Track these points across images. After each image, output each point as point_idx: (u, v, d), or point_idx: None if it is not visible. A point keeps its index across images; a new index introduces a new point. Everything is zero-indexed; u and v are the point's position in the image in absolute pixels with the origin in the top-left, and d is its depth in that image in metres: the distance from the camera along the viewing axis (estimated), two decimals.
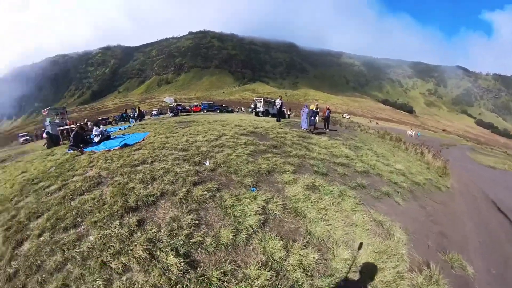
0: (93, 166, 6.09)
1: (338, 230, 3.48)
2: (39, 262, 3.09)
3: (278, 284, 2.57)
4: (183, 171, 4.81)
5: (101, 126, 10.37)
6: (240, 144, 6.81)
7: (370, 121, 69.94)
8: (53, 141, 12.08)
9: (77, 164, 6.53)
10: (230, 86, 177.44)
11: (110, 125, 22.97)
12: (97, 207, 3.88)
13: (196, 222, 3.38)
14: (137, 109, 21.46)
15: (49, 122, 13.86)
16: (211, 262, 2.80)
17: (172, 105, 26.38)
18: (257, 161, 5.54)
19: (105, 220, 3.52)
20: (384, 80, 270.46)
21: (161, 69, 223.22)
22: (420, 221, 4.60)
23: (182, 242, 3.02)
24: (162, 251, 2.87)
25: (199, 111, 33.19)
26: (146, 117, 24.24)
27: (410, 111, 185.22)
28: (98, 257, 2.91)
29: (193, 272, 2.63)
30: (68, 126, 12.75)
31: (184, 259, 2.77)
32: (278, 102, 15.44)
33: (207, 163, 5.19)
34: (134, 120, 20.73)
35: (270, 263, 2.82)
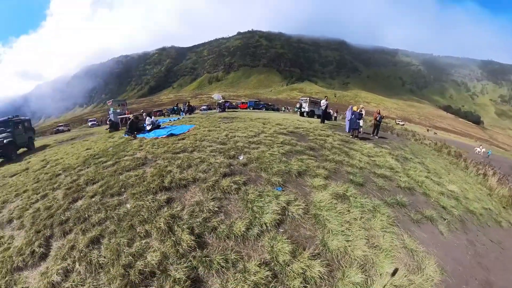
0: (142, 149, 6.92)
1: (357, 249, 3.09)
2: (86, 215, 3.90)
3: (272, 286, 2.52)
4: (216, 162, 5.05)
5: (153, 117, 11.35)
6: (277, 143, 6.75)
7: (428, 130, 61.24)
8: (114, 126, 13.95)
9: (129, 147, 7.49)
10: (277, 85, 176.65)
11: (163, 116, 25.24)
12: (138, 183, 4.57)
13: (217, 209, 3.61)
14: (188, 103, 23.00)
15: (112, 111, 15.91)
16: (218, 247, 3.01)
17: (220, 102, 27.54)
18: (290, 161, 5.44)
19: (141, 193, 4.15)
20: (447, 83, 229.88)
21: (212, 68, 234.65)
22: (463, 261, 3.72)
23: (198, 223, 3.33)
24: (180, 227, 3.25)
25: (246, 108, 34.17)
26: (196, 111, 25.85)
27: (477, 121, 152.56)
28: (129, 221, 3.54)
29: (199, 251, 2.91)
30: (126, 115, 14.43)
31: (196, 238, 3.07)
32: (323, 102, 14.79)
33: (241, 158, 5.32)
34: (184, 113, 22.26)
35: (272, 264, 2.79)
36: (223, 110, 22.84)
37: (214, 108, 31.37)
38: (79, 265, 2.99)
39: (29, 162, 9.15)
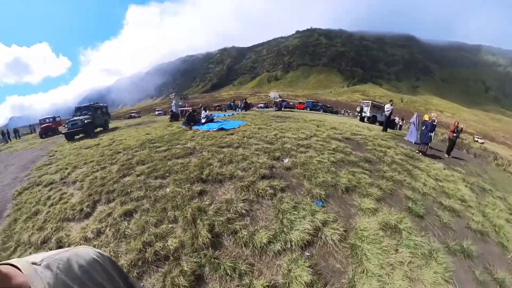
0: (193, 140, 7.24)
1: None
2: (128, 190, 4.34)
3: None
4: (258, 162, 4.79)
5: (208, 111, 11.80)
6: (329, 149, 6.01)
7: None
8: (175, 117, 15.21)
9: (183, 136, 7.91)
10: (337, 86, 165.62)
11: (220, 111, 26.49)
12: (181, 170, 4.80)
13: (244, 212, 3.39)
14: (244, 100, 23.51)
15: (175, 103, 17.31)
16: (232, 252, 2.79)
17: (276, 100, 27.36)
18: (339, 173, 4.70)
19: (181, 181, 4.32)
20: None
21: (271, 67, 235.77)
22: None
23: (221, 222, 3.19)
24: (202, 222, 3.20)
25: (302, 109, 32.99)
26: (253, 108, 26.34)
27: None
28: (163, 204, 3.74)
29: (212, 250, 2.81)
30: (185, 108, 15.50)
31: (212, 236, 2.96)
32: (387, 107, 12.95)
33: (286, 161, 4.92)
34: (239, 109, 22.86)
35: None
36: (279, 109, 22.64)
37: (271, 107, 31.42)
38: (109, 230, 3.41)
39: (101, 139, 10.81)
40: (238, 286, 2.42)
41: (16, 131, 26.05)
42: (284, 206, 3.44)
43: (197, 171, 4.56)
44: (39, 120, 20.86)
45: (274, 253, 2.76)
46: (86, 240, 3.33)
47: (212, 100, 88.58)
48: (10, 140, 21.69)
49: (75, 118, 14.24)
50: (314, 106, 34.27)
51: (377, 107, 19.47)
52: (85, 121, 13.51)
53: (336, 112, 37.75)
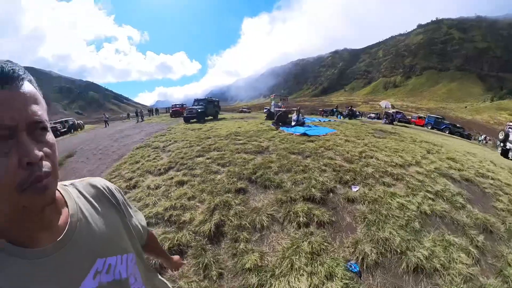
0: (271, 140, 7.07)
1: None
2: (194, 167, 4.92)
3: None
4: (318, 180, 3.92)
5: (300, 114, 11.44)
6: (428, 191, 3.84)
7: None
8: (270, 116, 15.71)
9: (265, 135, 7.92)
10: (476, 99, 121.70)
11: (322, 116, 25.38)
12: (240, 165, 4.76)
13: (259, 227, 2.87)
14: (350, 108, 21.38)
15: (274, 103, 17.88)
16: (218, 256, 2.50)
17: (389, 111, 23.33)
18: (422, 236, 2.77)
19: (233, 174, 4.32)
20: None
21: (388, 71, 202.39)
22: None
23: (233, 225, 2.92)
24: (218, 215, 3.08)
25: (422, 126, 25.72)
26: (361, 117, 23.84)
27: None
28: (206, 186, 3.97)
29: (206, 241, 2.72)
30: (281, 109, 15.71)
31: (216, 231, 2.82)
32: None
33: (354, 189, 3.75)
34: (341, 116, 21.21)
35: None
36: (390, 122, 18.99)
37: (383, 118, 26.59)
38: (163, 187, 4.11)
39: (205, 125, 12.56)
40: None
41: (157, 110, 40.92)
42: (305, 245, 2.49)
43: (251, 170, 4.37)
44: (172, 105, 29.93)
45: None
46: (148, 188, 4.13)
47: (321, 104, 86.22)
48: (153, 115, 33.63)
49: (193, 107, 17.93)
50: (437, 124, 25.43)
51: None
52: (199, 110, 16.70)
53: (468, 136, 26.07)
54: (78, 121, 31.01)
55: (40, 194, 0.43)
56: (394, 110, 26.20)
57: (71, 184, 0.64)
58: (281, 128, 9.85)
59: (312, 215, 2.99)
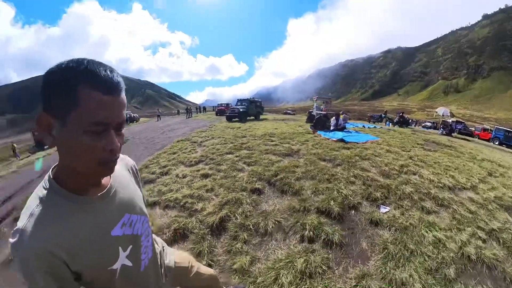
0: (304, 144, 6.62)
1: None
2: (221, 163, 4.97)
3: None
4: (342, 192, 3.35)
5: (340, 119, 10.63)
6: (480, 227, 2.73)
7: None
8: (311, 118, 15.03)
9: (299, 138, 7.50)
10: None
11: (369, 121, 23.37)
12: (264, 165, 4.57)
13: (262, 231, 2.63)
14: (401, 114, 19.05)
15: (316, 105, 17.10)
16: (214, 252, 2.42)
17: (447, 120, 19.94)
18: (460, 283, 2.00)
19: (254, 173, 4.16)
20: None
21: (449, 73, 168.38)
22: None
23: (237, 223, 2.77)
24: (227, 210, 3.00)
25: (487, 140, 21.00)
26: (415, 126, 21.07)
27: None
28: (226, 181, 3.93)
29: (207, 231, 2.69)
30: (322, 112, 14.87)
31: (220, 225, 2.76)
32: None
33: (382, 210, 3.01)
34: (391, 123, 19.12)
35: None
36: (448, 133, 16.22)
37: (440, 128, 22.46)
38: (189, 177, 4.31)
39: (244, 125, 12.83)
40: None
41: (204, 108, 46.50)
42: (299, 262, 2.08)
43: (273, 172, 4.12)
44: (217, 104, 32.30)
45: None
46: (176, 176, 4.40)
47: (371, 109, 78.83)
48: (200, 113, 37.75)
49: (235, 106, 18.26)
50: (507, 139, 19.76)
51: None
52: (241, 110, 17.04)
53: None
54: (134, 115, 34.86)
55: (109, 170, 0.62)
56: (453, 119, 22.65)
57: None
58: (318, 132, 9.25)
59: (321, 231, 2.53)
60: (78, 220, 0.60)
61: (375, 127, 13.83)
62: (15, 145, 21.23)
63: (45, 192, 0.60)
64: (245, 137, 8.12)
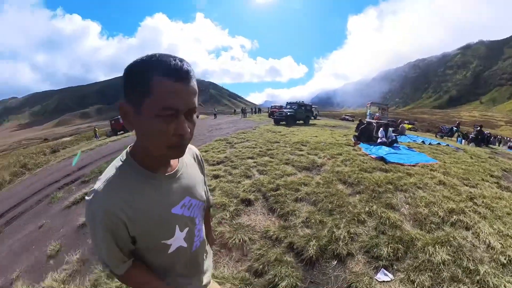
0: (335, 158, 5.60)
1: None
2: (242, 163, 5.13)
3: None
4: (336, 233, 2.40)
5: (389, 131, 8.62)
6: None
7: None
8: (358, 128, 12.91)
9: (334, 150, 6.56)
10: None
11: (435, 136, 18.73)
12: (274, 176, 4.20)
13: (225, 248, 2.32)
14: (479, 128, 14.49)
15: (369, 113, 14.85)
16: None
17: None
18: None
19: (257, 184, 3.85)
20: None
21: None
22: None
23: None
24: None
25: None
26: (499, 146, 16.00)
27: None
28: (230, 188, 3.81)
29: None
30: (372, 121, 12.55)
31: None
32: None
33: (383, 278, 1.90)
34: (464, 140, 14.91)
35: None
36: None
37: None
38: (219, 170, 4.73)
39: (288, 129, 12.07)
40: None
41: (259, 109, 45.34)
42: None
43: (275, 185, 3.68)
44: (271, 106, 31.75)
45: None
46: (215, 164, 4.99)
47: (445, 120, 64.79)
48: (255, 114, 38.99)
49: (283, 109, 17.49)
50: None
51: None
52: (288, 113, 16.04)
53: None
54: None
55: (178, 154, 0.64)
56: None
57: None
58: (360, 145, 7.81)
59: (273, 268, 1.92)
60: (144, 192, 0.65)
61: (439, 143, 10.44)
62: (96, 129, 26.51)
63: (121, 163, 0.66)
64: (277, 142, 7.62)
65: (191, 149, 0.89)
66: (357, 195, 3.46)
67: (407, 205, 3.25)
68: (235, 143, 7.59)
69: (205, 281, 0.88)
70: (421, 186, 3.93)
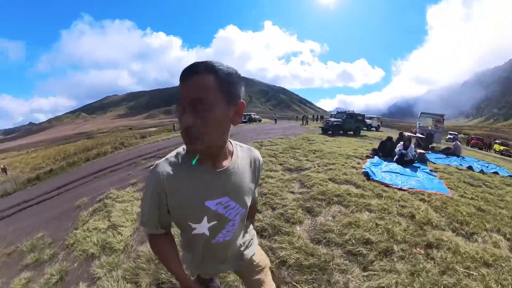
0: (332, 170, 5.24)
1: None
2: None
3: None
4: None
5: (411, 146, 7.05)
6: None
7: None
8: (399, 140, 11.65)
9: (337, 159, 6.40)
10: None
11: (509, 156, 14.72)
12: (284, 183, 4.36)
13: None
14: None
15: (419, 125, 13.38)
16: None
17: None
18: None
19: (275, 190, 3.99)
20: None
21: None
22: None
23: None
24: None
25: None
26: None
27: None
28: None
29: None
30: (412, 134, 10.95)
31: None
32: None
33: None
34: None
35: None
36: None
37: None
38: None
39: (328, 139, 11.36)
40: None
41: (322, 117, 39.51)
42: None
43: (280, 199, 3.60)
44: (330, 114, 26.23)
45: None
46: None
47: None
48: (315, 121, 36.02)
49: (330, 119, 16.93)
50: None
51: None
52: (334, 123, 15.53)
53: None
54: (256, 116, 37.77)
55: (185, 141, 0.65)
56: None
57: (238, 144, 0.86)
58: (370, 160, 6.95)
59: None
60: (187, 180, 0.72)
61: (496, 171, 6.84)
62: (175, 124, 32.85)
63: (180, 150, 0.78)
64: (297, 149, 7.80)
65: (252, 153, 0.90)
66: (299, 195, 3.72)
67: (330, 218, 2.96)
68: (264, 146, 8.31)
69: (224, 269, 0.95)
70: (376, 209, 3.18)
